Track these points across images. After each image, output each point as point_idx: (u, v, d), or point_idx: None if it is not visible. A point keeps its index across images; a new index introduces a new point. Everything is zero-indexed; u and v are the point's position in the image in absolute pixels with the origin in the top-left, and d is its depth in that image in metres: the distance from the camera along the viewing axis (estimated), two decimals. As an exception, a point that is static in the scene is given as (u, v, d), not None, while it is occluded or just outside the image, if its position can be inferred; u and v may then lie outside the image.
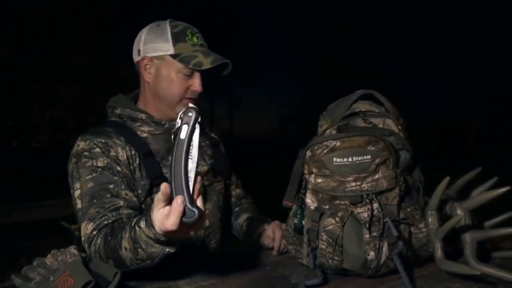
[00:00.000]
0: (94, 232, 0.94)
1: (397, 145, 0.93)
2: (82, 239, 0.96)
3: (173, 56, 1.09)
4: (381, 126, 0.97)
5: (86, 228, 0.96)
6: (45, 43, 8.36)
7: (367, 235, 0.83)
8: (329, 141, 0.88)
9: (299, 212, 0.93)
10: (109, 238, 0.89)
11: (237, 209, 1.36)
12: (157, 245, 0.79)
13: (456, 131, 20.83)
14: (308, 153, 0.92)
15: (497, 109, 21.60)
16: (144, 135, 1.12)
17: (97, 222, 0.95)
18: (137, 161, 1.07)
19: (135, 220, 0.84)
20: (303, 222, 0.91)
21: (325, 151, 0.88)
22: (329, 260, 0.87)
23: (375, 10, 22.30)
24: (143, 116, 1.14)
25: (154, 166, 1.08)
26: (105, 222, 0.94)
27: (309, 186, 0.92)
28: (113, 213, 0.96)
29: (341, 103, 1.03)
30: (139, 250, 0.81)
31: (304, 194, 0.92)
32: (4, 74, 7.86)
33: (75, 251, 0.79)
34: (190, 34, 1.12)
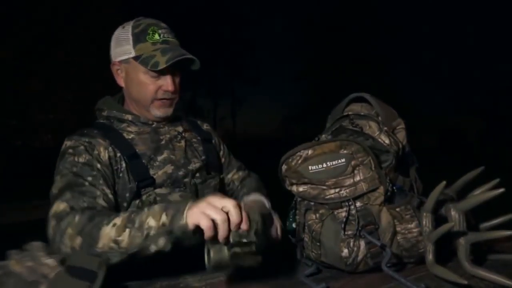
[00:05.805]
0: (68, 210, 0.91)
1: (378, 147, 0.93)
2: (49, 214, 0.93)
3: (135, 58, 1.07)
4: (367, 127, 0.98)
5: (58, 206, 0.93)
6: (46, 43, 8.40)
7: (342, 234, 0.86)
8: (301, 151, 0.90)
9: (291, 216, 0.94)
10: (95, 217, 0.88)
11: (244, 190, 1.29)
12: (163, 237, 0.80)
13: (459, 130, 20.75)
14: (284, 167, 0.93)
15: (500, 108, 21.49)
16: (131, 136, 1.11)
17: (71, 204, 0.93)
18: (124, 165, 1.06)
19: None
20: (293, 224, 0.94)
21: (299, 161, 0.90)
22: (310, 253, 0.92)
23: (378, 9, 22.24)
24: (129, 117, 1.14)
25: (140, 168, 1.07)
26: (81, 205, 0.93)
27: (295, 197, 0.94)
28: (90, 199, 0.95)
29: (339, 105, 1.05)
30: (128, 230, 0.82)
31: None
32: (7, 74, 7.90)
33: (53, 262, 0.71)
34: (151, 32, 1.08)
